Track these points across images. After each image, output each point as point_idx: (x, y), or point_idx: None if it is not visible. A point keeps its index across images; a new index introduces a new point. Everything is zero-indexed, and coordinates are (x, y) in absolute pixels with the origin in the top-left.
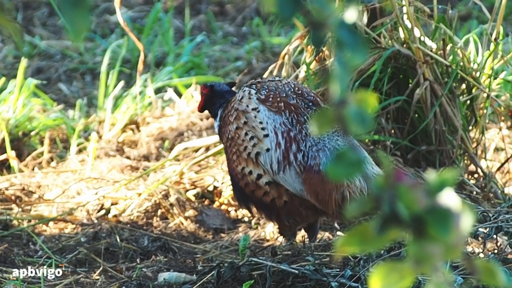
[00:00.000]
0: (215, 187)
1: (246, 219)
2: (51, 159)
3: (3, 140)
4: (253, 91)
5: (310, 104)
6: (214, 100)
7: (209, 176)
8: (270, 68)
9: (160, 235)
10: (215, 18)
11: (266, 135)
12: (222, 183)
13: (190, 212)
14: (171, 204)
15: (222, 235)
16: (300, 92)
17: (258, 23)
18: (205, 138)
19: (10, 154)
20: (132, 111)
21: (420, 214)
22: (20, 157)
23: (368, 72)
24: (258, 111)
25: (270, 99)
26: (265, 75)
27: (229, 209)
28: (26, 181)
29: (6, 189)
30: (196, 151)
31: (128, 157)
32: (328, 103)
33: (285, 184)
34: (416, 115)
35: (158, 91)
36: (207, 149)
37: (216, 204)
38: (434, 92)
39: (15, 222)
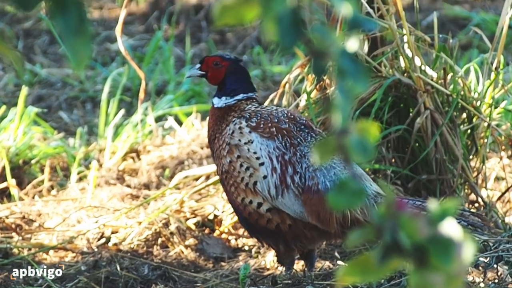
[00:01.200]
0: (215, 216)
1: (246, 248)
2: (52, 187)
3: (4, 168)
4: (243, 123)
5: (302, 127)
6: (233, 78)
7: (210, 204)
8: (271, 96)
9: (160, 264)
10: (216, 47)
11: (262, 164)
12: (223, 212)
13: (191, 241)
14: (171, 233)
15: (223, 264)
16: (292, 116)
17: (259, 52)
18: (206, 166)
19: (11, 182)
20: (132, 139)
21: (422, 244)
22: (21, 185)
23: (369, 101)
24: (251, 143)
25: (261, 125)
26: (265, 104)
27: (230, 238)
28: (26, 209)
29: (7, 217)
30: (197, 179)
31: (128, 186)
32: (327, 131)
33: (285, 208)
34: (417, 144)
35: (158, 119)
36: (208, 177)
37: (217, 232)
38: (435, 121)
39: (15, 250)
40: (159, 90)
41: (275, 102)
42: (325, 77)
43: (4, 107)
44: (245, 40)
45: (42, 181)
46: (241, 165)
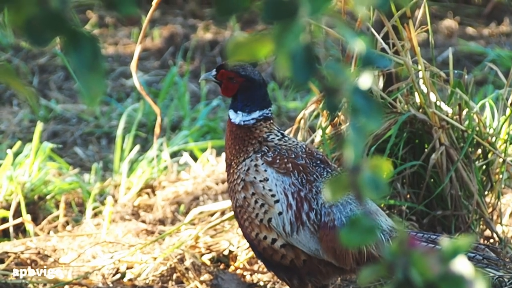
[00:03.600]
0: (230, 251)
1: (261, 283)
2: (67, 222)
3: (19, 203)
4: (259, 160)
5: (318, 162)
6: (246, 94)
7: (225, 240)
8: (286, 132)
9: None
10: None
11: (277, 201)
12: (238, 247)
13: (206, 276)
14: (186, 268)
15: None
16: (310, 151)
17: (273, 88)
18: (221, 202)
19: (26, 217)
20: (147, 175)
21: (433, 281)
22: (36, 220)
23: (384, 137)
24: (267, 180)
25: (278, 161)
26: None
27: (245, 273)
28: (41, 244)
29: (22, 252)
30: (212, 215)
31: (143, 221)
32: (342, 167)
33: (299, 245)
34: (432, 179)
35: (173, 155)
36: (223, 213)
37: (232, 268)
38: (450, 157)
39: (30, 286)
40: (174, 126)
41: None
42: (339, 113)
43: (19, 143)
44: None
45: (57, 217)
46: (255, 202)
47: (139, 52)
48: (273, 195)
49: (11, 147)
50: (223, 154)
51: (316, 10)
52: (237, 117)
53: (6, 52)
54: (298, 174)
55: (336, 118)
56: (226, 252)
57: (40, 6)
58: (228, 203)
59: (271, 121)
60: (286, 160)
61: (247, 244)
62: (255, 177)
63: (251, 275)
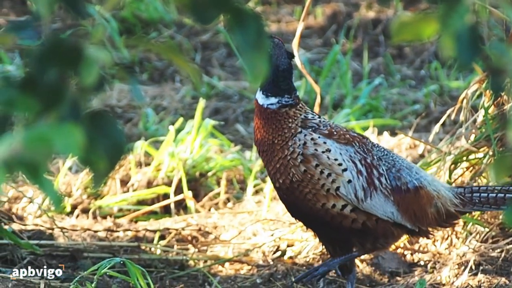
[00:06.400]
0: None
1: (422, 263)
2: (228, 199)
3: (180, 180)
4: (314, 134)
5: (360, 135)
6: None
7: None
8: (448, 111)
9: (335, 278)
10: (393, 61)
11: (345, 169)
12: None
13: (366, 255)
14: None
15: (398, 278)
16: (345, 128)
17: (436, 67)
18: None
19: (187, 194)
20: None
21: None
22: (197, 197)
23: None
24: (329, 151)
25: (335, 132)
26: (442, 119)
27: (405, 252)
28: (202, 221)
29: (183, 229)
30: None
31: None
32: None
33: (372, 210)
34: None
35: None
36: None
37: (392, 247)
38: None
39: (191, 262)
40: (336, 104)
41: (453, 117)
42: (503, 94)
43: (181, 119)
44: (422, 54)
45: (218, 194)
46: (321, 172)
47: (301, 30)
48: (339, 164)
49: (173, 124)
50: (385, 133)
51: None
52: (266, 101)
53: (169, 29)
54: (359, 143)
55: (500, 98)
56: None
57: None
58: None
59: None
60: (342, 132)
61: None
62: (316, 149)
63: (411, 254)
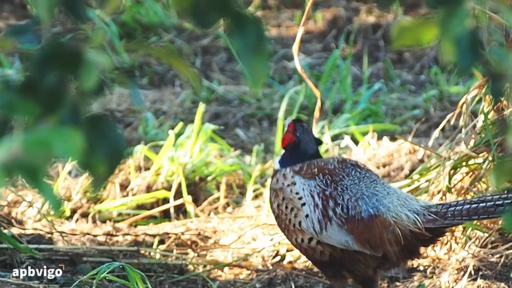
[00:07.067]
0: None
1: (421, 268)
2: (227, 204)
3: (180, 184)
4: (287, 170)
5: (349, 165)
6: (296, 151)
7: None
8: (448, 117)
9: None
10: (393, 66)
11: (303, 204)
12: None
13: None
14: None
15: (397, 283)
16: (343, 159)
17: (436, 72)
18: None
19: (187, 199)
20: None
21: None
22: (196, 202)
23: None
24: (294, 184)
25: (304, 168)
26: (442, 124)
27: None
28: (202, 226)
29: (182, 233)
30: None
31: None
32: (504, 153)
33: (330, 241)
34: None
35: (335, 138)
36: None
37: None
38: None
39: (190, 267)
40: (336, 109)
41: (452, 122)
42: (502, 99)
43: (181, 124)
44: (422, 59)
45: (218, 198)
46: (286, 207)
47: (301, 35)
48: (299, 198)
49: (173, 128)
50: (385, 138)
51: None
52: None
53: (170, 33)
54: (323, 176)
55: (499, 103)
56: None
57: None
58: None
59: None
60: (312, 166)
61: None
62: (283, 183)
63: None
